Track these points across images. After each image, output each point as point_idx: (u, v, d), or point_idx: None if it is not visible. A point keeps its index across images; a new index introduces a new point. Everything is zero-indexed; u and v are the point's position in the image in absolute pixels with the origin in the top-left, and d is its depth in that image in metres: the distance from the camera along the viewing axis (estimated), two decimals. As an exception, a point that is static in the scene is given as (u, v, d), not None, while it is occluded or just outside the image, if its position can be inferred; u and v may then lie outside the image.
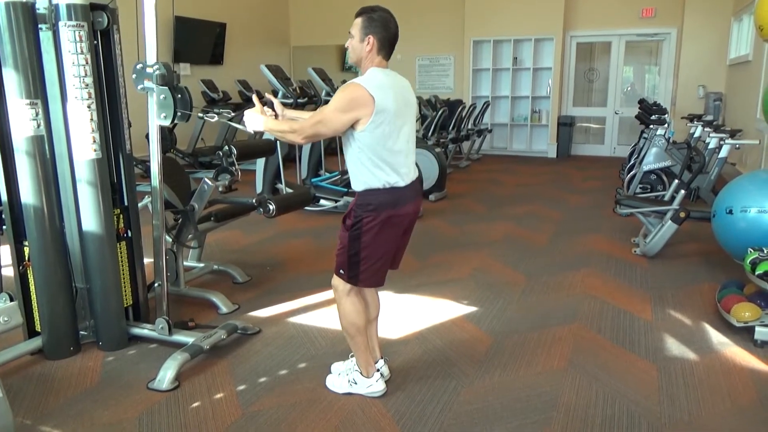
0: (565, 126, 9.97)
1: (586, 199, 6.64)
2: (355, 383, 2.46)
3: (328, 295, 3.24)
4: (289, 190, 3.99)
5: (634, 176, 6.15)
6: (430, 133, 7.75)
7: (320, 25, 11.16)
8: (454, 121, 8.41)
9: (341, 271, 2.31)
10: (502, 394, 2.49)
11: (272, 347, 2.93)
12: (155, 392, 2.50)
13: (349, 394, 2.47)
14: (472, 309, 3.43)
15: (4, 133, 2.63)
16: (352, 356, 2.54)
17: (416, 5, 10.44)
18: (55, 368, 2.71)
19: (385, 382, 2.52)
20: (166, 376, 2.53)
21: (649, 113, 6.89)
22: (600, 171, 8.54)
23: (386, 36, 2.16)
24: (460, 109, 8.51)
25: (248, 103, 9.01)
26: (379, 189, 2.19)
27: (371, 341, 2.55)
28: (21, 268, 2.77)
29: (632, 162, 6.76)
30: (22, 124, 2.58)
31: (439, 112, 7.88)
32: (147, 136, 2.70)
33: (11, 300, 3.04)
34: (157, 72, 2.57)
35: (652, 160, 5.88)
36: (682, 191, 4.32)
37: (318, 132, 2.20)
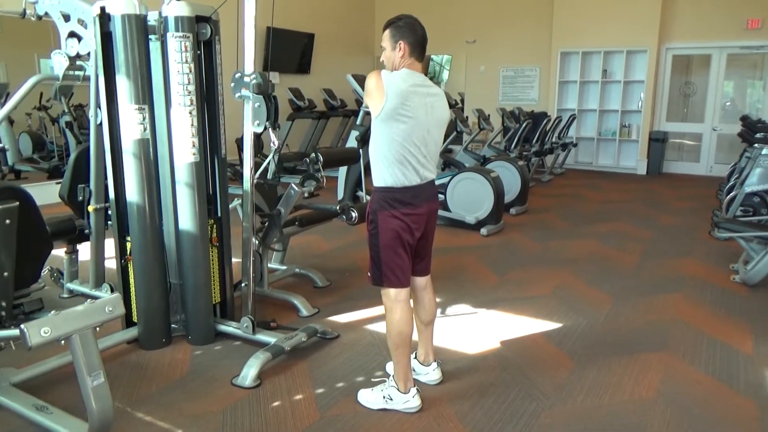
0: (657, 142, 9.49)
1: (679, 219, 6.27)
2: (391, 399, 2.41)
3: (406, 304, 3.23)
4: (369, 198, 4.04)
5: (733, 198, 5.73)
6: (512, 146, 7.61)
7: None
8: (537, 134, 8.22)
9: (369, 273, 2.41)
10: (585, 421, 2.38)
11: (350, 353, 2.97)
12: (238, 388, 2.59)
13: (384, 410, 2.41)
14: (554, 328, 3.31)
15: (114, 135, 2.84)
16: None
17: (502, 17, 10.33)
18: (148, 358, 2.87)
19: (438, 384, 2.62)
20: (249, 373, 2.62)
21: (753, 131, 6.43)
22: (694, 190, 8.05)
23: (415, 39, 2.27)
24: (544, 122, 8.31)
25: (332, 111, 9.21)
26: (394, 188, 2.26)
27: (426, 345, 2.62)
28: (122, 261, 2.97)
29: (732, 182, 6.32)
30: (131, 127, 2.77)
31: (523, 125, 7.73)
32: (236, 142, 2.81)
33: (112, 291, 3.25)
34: (254, 81, 2.69)
35: (756, 182, 5.45)
36: (791, 216, 3.99)
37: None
